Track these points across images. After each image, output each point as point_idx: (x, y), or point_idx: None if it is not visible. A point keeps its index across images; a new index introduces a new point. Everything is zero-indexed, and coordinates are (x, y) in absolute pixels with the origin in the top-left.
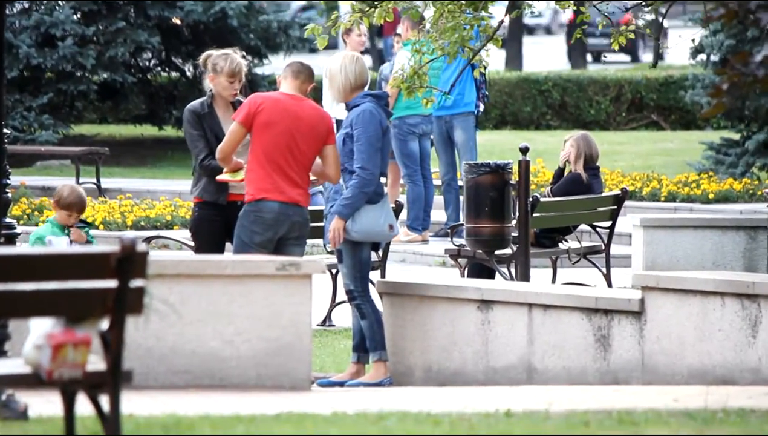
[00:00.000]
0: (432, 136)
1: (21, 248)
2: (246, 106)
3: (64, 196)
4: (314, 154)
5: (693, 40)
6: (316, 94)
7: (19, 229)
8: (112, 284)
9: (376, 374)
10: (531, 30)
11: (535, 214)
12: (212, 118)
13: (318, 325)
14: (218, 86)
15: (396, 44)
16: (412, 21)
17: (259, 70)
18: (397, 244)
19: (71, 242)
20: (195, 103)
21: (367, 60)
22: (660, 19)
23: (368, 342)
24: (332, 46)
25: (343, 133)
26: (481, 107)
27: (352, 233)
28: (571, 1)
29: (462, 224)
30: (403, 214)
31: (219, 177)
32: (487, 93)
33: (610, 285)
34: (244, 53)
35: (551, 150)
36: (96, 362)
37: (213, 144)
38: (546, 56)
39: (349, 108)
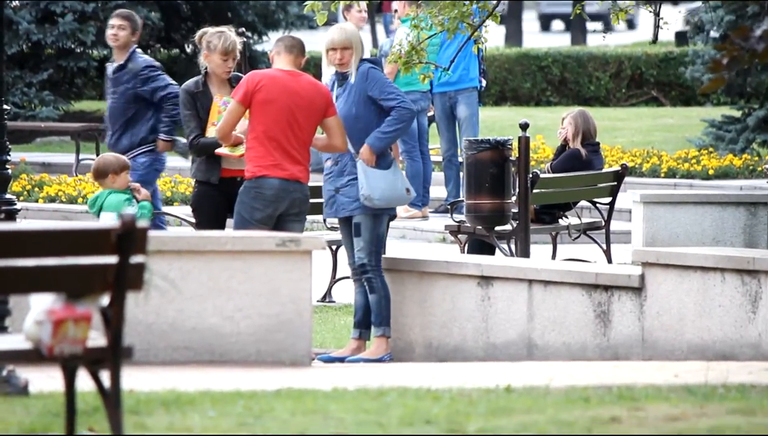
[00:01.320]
0: (432, 113)
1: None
2: (244, 85)
3: (113, 162)
4: (314, 129)
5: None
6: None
7: (19, 205)
8: (112, 259)
9: (377, 350)
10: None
11: (534, 191)
12: (206, 96)
13: (318, 301)
14: (212, 64)
15: (396, 20)
16: None
17: (258, 47)
18: (397, 220)
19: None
20: (189, 82)
21: (366, 36)
22: None
23: (374, 317)
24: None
25: (355, 102)
26: (484, 83)
27: (375, 201)
28: None
29: (462, 200)
30: None
31: (218, 150)
32: (485, 68)
33: (610, 261)
34: (243, 30)
35: (551, 126)
36: (96, 338)
37: (205, 123)
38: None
39: (347, 76)
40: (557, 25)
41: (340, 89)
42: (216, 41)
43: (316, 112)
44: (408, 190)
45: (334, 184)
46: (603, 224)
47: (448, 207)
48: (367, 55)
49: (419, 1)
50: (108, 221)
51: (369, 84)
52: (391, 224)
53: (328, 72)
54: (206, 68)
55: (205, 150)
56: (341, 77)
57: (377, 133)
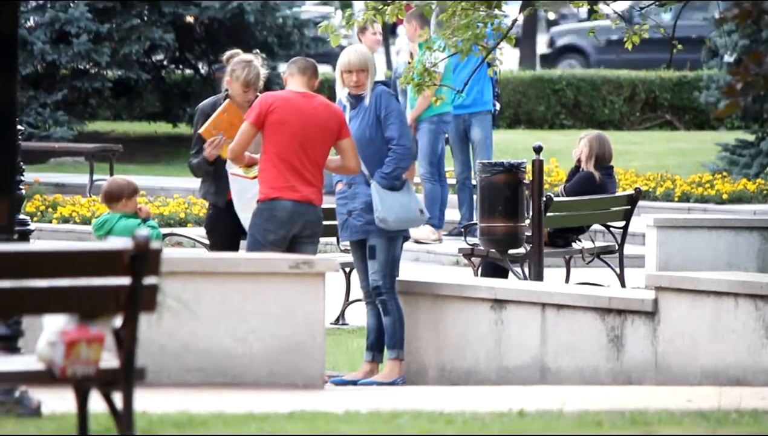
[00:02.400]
0: (446, 135)
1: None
2: (257, 106)
3: (126, 187)
4: (327, 151)
5: (708, 41)
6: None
7: (32, 226)
8: (125, 281)
9: (390, 373)
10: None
11: (548, 214)
12: None
13: (331, 323)
14: (233, 91)
15: (398, 42)
16: (420, 20)
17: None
18: (411, 243)
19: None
20: (207, 102)
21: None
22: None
23: (388, 339)
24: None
25: (368, 125)
26: (498, 106)
27: (390, 223)
28: (585, 0)
29: (475, 223)
30: None
31: (232, 171)
32: (499, 92)
33: (623, 285)
34: (258, 51)
35: (565, 149)
36: (109, 359)
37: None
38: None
39: (363, 98)
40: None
41: (353, 112)
42: (240, 71)
43: (330, 134)
44: (422, 212)
45: (347, 208)
46: (616, 247)
47: (462, 230)
48: (381, 77)
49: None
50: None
51: (380, 107)
52: (405, 246)
53: (342, 94)
54: (227, 90)
55: (194, 171)
56: (354, 100)
57: (380, 173)
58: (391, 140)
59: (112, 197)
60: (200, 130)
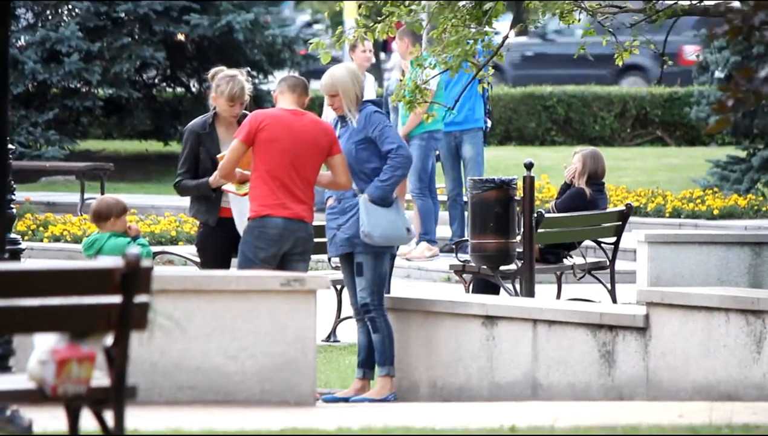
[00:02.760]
0: (437, 152)
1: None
2: (247, 124)
3: (115, 206)
4: (318, 168)
5: (698, 57)
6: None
7: (23, 244)
8: (116, 299)
9: (381, 390)
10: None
11: (539, 230)
12: (211, 138)
13: (323, 340)
14: (219, 107)
15: (391, 61)
16: (412, 36)
17: (263, 86)
18: (402, 260)
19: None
20: (196, 122)
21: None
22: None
23: (378, 356)
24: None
25: (354, 142)
26: (489, 123)
27: (375, 239)
28: (576, 15)
29: (467, 240)
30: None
31: (225, 187)
32: (490, 108)
33: (614, 301)
34: (249, 69)
35: (556, 166)
36: (100, 378)
37: (207, 165)
38: None
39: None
40: None
41: (342, 130)
42: (224, 86)
43: (320, 151)
44: (408, 230)
45: (336, 223)
46: (608, 263)
47: (453, 247)
48: (371, 94)
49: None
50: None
51: (369, 127)
52: (396, 263)
53: (329, 112)
54: (215, 108)
55: (185, 192)
56: (341, 118)
57: (376, 183)
58: (389, 152)
59: (101, 217)
60: (218, 156)
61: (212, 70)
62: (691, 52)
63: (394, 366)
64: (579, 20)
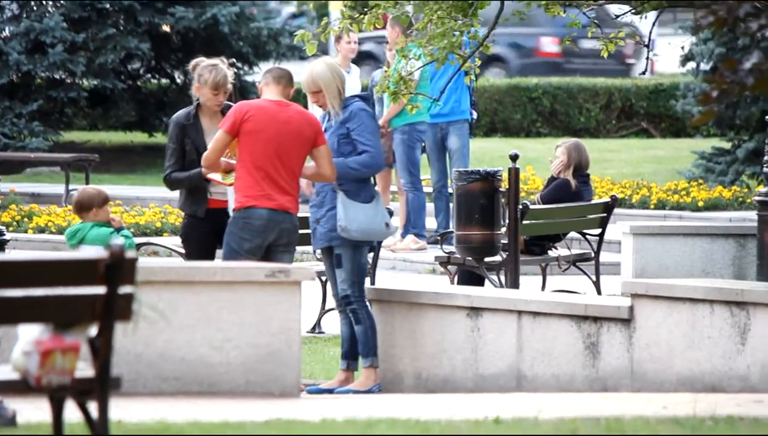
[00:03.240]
0: (423, 144)
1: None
2: (232, 115)
3: (96, 196)
4: (303, 159)
5: (683, 48)
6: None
7: (8, 235)
8: (100, 290)
9: (365, 381)
10: None
11: (524, 222)
12: (196, 129)
13: (307, 332)
14: (203, 97)
15: (388, 51)
16: (402, 26)
17: (249, 78)
18: (387, 251)
19: (118, 230)
20: (180, 114)
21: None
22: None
23: (361, 347)
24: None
25: (337, 135)
26: (475, 115)
27: (351, 233)
28: (560, 7)
29: (452, 231)
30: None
31: (210, 175)
32: (475, 100)
33: (599, 292)
34: (234, 61)
35: (541, 158)
36: (84, 369)
37: (193, 156)
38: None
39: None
40: None
41: (328, 123)
42: (207, 75)
43: (305, 142)
44: (387, 225)
45: (315, 215)
46: (592, 255)
47: (438, 238)
48: (357, 85)
49: (409, 31)
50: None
51: (353, 123)
52: (381, 255)
53: (317, 107)
54: (198, 100)
55: (176, 185)
56: (326, 112)
57: (345, 162)
58: (363, 153)
59: (83, 207)
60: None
61: (193, 62)
62: (549, 43)
63: (377, 357)
64: (564, 12)
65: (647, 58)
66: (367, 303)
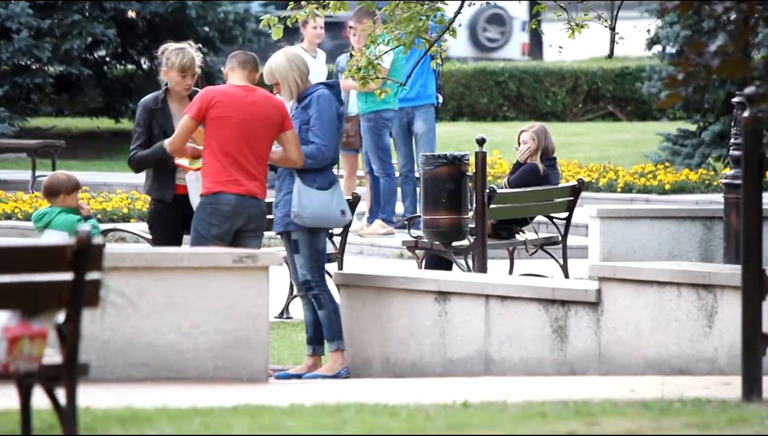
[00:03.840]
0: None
1: None
2: (198, 101)
3: (66, 182)
4: (270, 144)
5: (648, 31)
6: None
7: None
8: (68, 276)
9: (333, 365)
10: None
11: (491, 206)
12: (164, 113)
13: (275, 317)
14: (171, 81)
15: (352, 37)
16: (371, 16)
17: (216, 63)
18: (354, 236)
19: (85, 218)
20: (149, 98)
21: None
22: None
23: (325, 332)
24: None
25: (299, 121)
26: (441, 99)
27: (304, 219)
28: None
29: (419, 216)
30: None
31: (177, 161)
32: (441, 84)
33: (567, 276)
34: (200, 46)
35: (508, 141)
36: (52, 355)
37: (159, 139)
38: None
39: (301, 99)
40: None
41: (294, 109)
42: (174, 58)
43: (272, 127)
44: (343, 212)
45: (274, 201)
46: (560, 239)
47: (405, 223)
48: (323, 70)
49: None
50: (53, 237)
51: (311, 109)
52: (348, 240)
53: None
54: (167, 84)
55: (142, 164)
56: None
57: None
58: (311, 144)
59: (51, 192)
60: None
61: (161, 48)
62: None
63: (343, 340)
64: None
65: (612, 41)
66: (328, 287)
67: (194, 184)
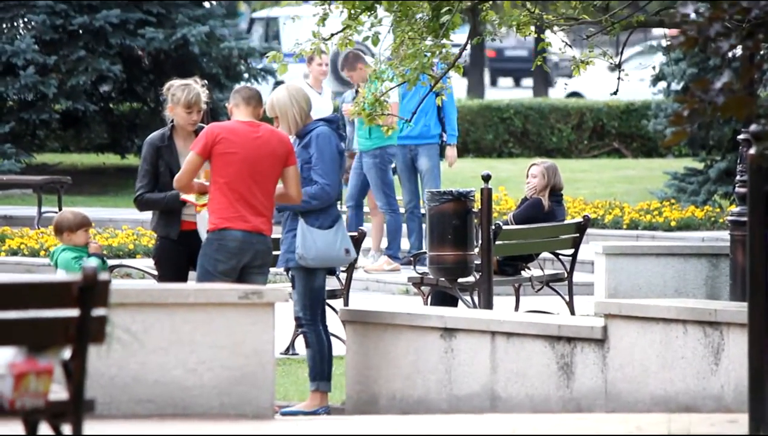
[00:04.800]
0: (394, 165)
1: None
2: (203, 137)
3: (72, 220)
4: (276, 179)
5: (654, 68)
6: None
7: None
8: (74, 312)
9: (311, 403)
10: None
11: (497, 242)
12: (170, 150)
13: (281, 353)
14: (177, 117)
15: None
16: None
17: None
18: (360, 272)
19: (90, 255)
20: (155, 135)
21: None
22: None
23: (309, 371)
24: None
25: (300, 160)
26: (445, 137)
27: (308, 261)
28: (532, 28)
29: (425, 252)
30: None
31: (183, 196)
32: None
33: (572, 313)
34: (206, 82)
35: (513, 178)
36: (58, 392)
37: (166, 178)
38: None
39: (301, 136)
40: (505, 82)
41: (296, 146)
42: (179, 94)
43: (278, 161)
44: (347, 251)
45: (282, 233)
46: (566, 275)
47: (411, 259)
48: (329, 106)
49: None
50: (62, 276)
51: (312, 148)
52: (354, 276)
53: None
54: (173, 121)
55: (150, 207)
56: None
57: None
58: (315, 183)
59: (56, 230)
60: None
61: (167, 85)
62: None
63: (326, 381)
64: (536, 33)
65: (618, 78)
66: (320, 327)
67: (205, 220)
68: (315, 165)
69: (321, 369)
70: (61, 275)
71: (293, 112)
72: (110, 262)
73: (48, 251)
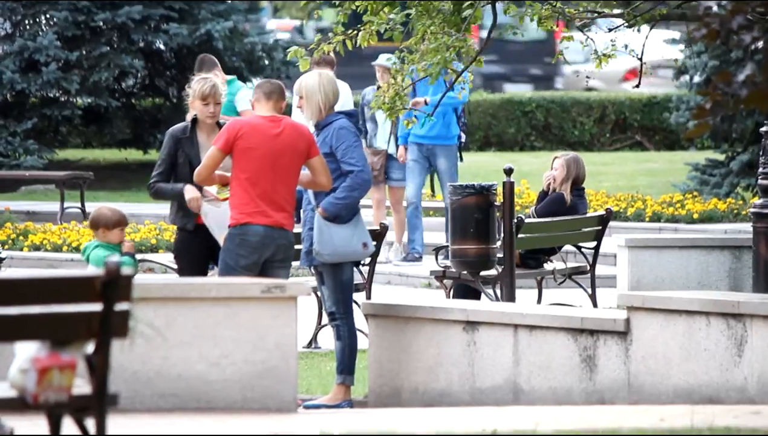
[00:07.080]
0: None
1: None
2: (225, 133)
3: (110, 217)
4: (297, 173)
5: (676, 61)
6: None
7: (3, 253)
8: (97, 307)
9: (334, 397)
10: None
11: (519, 235)
12: (191, 143)
13: (304, 347)
14: (195, 109)
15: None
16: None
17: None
18: (382, 265)
19: (123, 253)
20: (177, 127)
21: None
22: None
23: (337, 364)
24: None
25: (321, 153)
26: (463, 138)
27: (324, 257)
28: (554, 22)
29: (447, 245)
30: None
31: (206, 188)
32: (465, 121)
33: (595, 305)
34: (225, 76)
35: (535, 171)
36: (82, 386)
37: (185, 169)
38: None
39: (320, 127)
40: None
41: (317, 137)
42: (196, 86)
43: (299, 155)
44: (365, 245)
45: (303, 233)
46: (588, 268)
47: (416, 256)
48: (350, 102)
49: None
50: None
51: (335, 142)
52: (377, 269)
53: (299, 115)
54: (195, 115)
55: (159, 196)
56: (314, 125)
57: (331, 199)
58: (349, 173)
59: (92, 225)
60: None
61: (190, 81)
62: None
63: (351, 376)
64: (557, 26)
65: (641, 71)
66: (353, 321)
67: (207, 218)
68: (344, 155)
69: (350, 363)
70: (92, 271)
71: (318, 99)
72: None
73: (70, 247)
